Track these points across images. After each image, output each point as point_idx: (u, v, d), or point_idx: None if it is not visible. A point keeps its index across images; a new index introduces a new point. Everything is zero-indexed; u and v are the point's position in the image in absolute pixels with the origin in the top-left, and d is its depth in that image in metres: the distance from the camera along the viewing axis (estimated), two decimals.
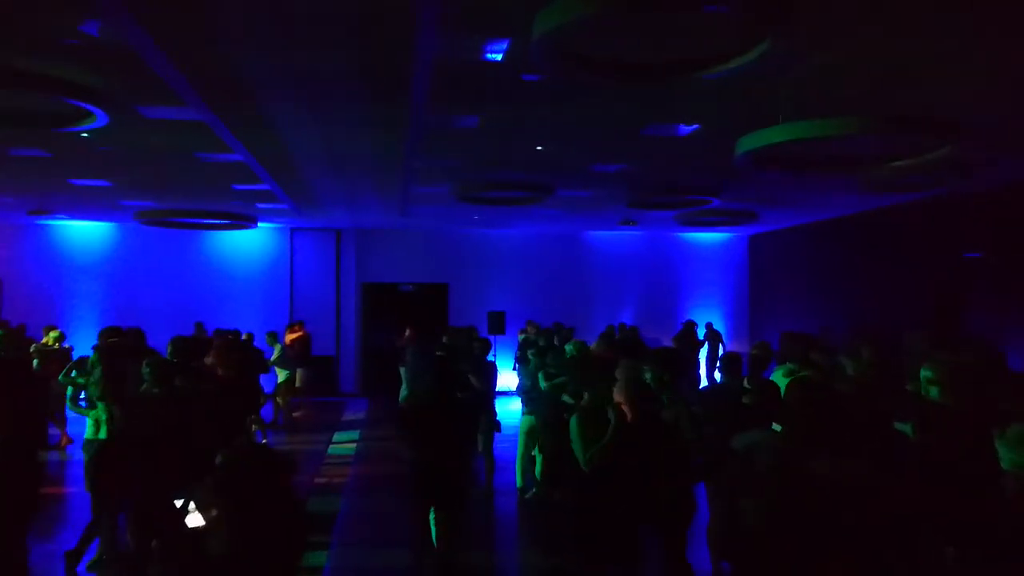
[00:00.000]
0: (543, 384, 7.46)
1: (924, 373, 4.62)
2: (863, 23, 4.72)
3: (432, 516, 5.67)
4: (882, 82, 5.86)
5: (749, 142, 6.47)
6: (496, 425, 8.52)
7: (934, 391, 4.54)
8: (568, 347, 7.76)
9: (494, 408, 8.60)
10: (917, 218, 11.63)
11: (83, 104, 6.17)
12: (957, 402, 4.48)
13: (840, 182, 9.85)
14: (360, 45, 5.25)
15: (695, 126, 7.42)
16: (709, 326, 15.54)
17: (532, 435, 8.02)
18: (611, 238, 17.50)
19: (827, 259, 14.51)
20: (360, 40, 5.15)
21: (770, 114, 6.30)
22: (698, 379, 13.56)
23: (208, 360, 7.33)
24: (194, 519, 3.06)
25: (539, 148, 8.38)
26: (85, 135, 7.60)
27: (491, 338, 15.97)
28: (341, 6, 4.54)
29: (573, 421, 4.66)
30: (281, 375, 12.24)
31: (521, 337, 13.52)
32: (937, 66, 5.50)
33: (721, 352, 14.76)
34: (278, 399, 12.45)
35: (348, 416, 13.90)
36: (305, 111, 7.02)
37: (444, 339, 10.57)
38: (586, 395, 5.19)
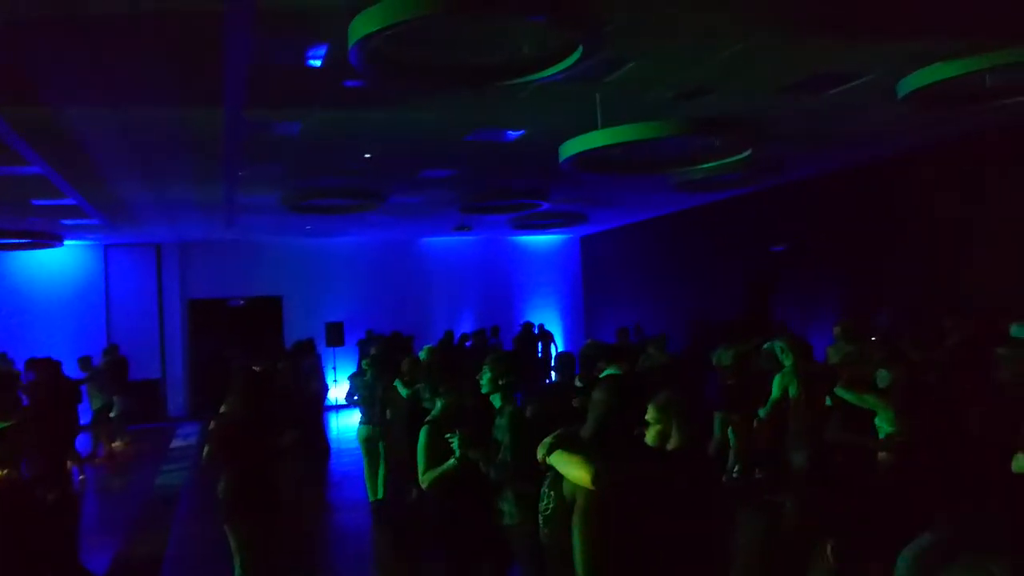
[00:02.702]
0: (403, 391, 7.35)
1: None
2: (670, 34, 4.98)
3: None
4: (692, 87, 6.21)
5: (571, 146, 6.68)
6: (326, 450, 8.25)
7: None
8: (421, 353, 7.70)
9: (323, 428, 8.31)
10: (729, 215, 12.47)
11: None
12: None
13: (659, 182, 10.38)
14: (168, 48, 4.95)
15: (521, 131, 7.57)
16: (541, 327, 15.92)
17: (372, 444, 7.84)
18: (447, 244, 17.56)
19: (652, 256, 15.29)
20: (168, 42, 4.84)
21: (591, 118, 6.54)
22: (540, 380, 13.86)
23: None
24: None
25: (367, 156, 8.26)
26: None
27: (331, 350, 15.72)
28: (148, 7, 4.26)
29: (423, 432, 4.57)
30: (95, 403, 11.33)
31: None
32: (740, 72, 5.90)
33: (554, 352, 15.15)
34: (95, 430, 11.51)
35: (178, 443, 13.09)
36: (112, 118, 6.53)
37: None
38: (438, 403, 5.04)
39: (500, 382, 4.63)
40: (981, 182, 7.95)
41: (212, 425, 5.06)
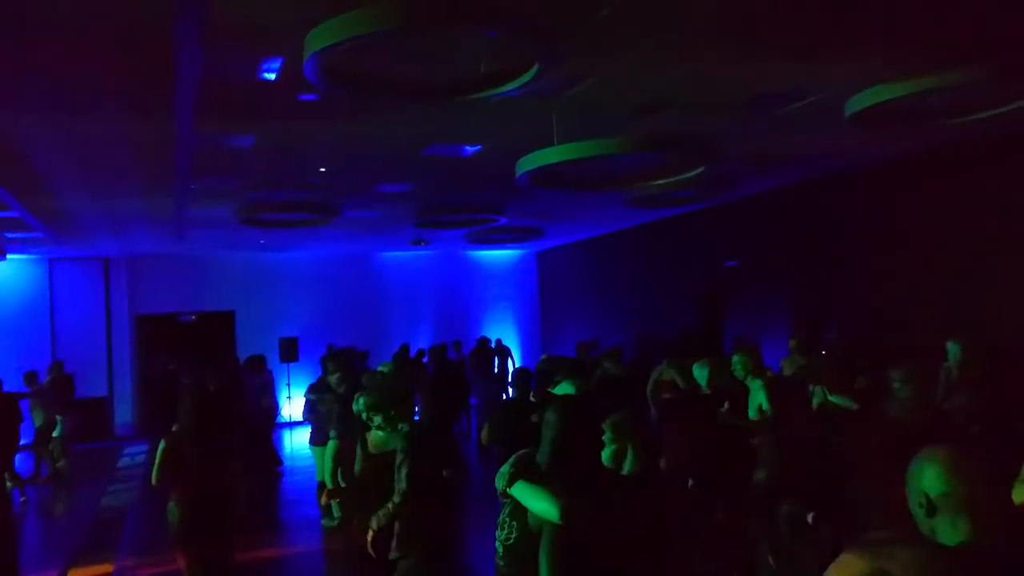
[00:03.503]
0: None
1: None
2: (623, 53, 5.04)
3: None
4: (645, 105, 6.28)
5: (526, 163, 6.71)
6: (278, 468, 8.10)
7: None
8: (381, 368, 7.61)
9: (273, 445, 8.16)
10: (683, 230, 12.63)
11: None
12: None
13: (614, 199, 10.47)
14: (117, 58, 4.84)
15: (478, 147, 7.58)
16: (498, 342, 15.90)
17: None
18: (404, 258, 17.47)
19: (608, 271, 15.40)
20: (117, 53, 4.74)
21: (547, 135, 6.57)
22: (499, 397, 13.80)
23: None
24: None
25: (322, 170, 8.19)
26: None
27: (285, 366, 15.49)
28: (95, 17, 4.16)
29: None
30: (37, 420, 10.98)
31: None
32: (692, 91, 5.99)
33: (511, 367, 15.14)
34: (38, 449, 11.15)
35: (125, 462, 12.74)
36: (58, 130, 6.37)
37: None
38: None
39: (391, 413, 4.54)
40: (929, 199, 8.16)
41: (163, 444, 4.92)
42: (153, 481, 4.94)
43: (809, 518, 3.51)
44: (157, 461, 4.91)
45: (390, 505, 4.21)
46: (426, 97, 5.42)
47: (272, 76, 5.17)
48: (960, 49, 5.08)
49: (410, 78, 5.26)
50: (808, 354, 7.79)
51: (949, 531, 1.88)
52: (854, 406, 5.19)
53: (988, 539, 1.85)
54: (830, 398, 5.51)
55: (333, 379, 7.68)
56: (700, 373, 5.62)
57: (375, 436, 4.77)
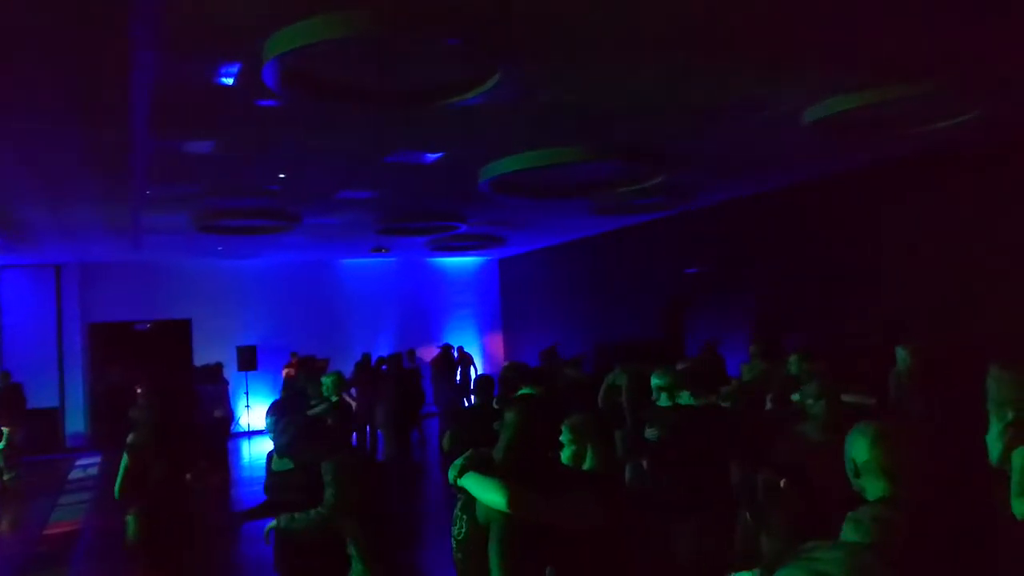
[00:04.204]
0: None
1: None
2: (584, 63, 5.06)
3: None
4: (608, 115, 6.32)
5: (490, 170, 6.71)
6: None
7: None
8: (326, 379, 7.52)
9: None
10: (645, 238, 12.73)
11: None
12: None
13: (576, 206, 10.52)
14: (70, 60, 4.72)
15: (440, 154, 7.55)
16: (460, 349, 15.87)
17: None
18: (365, 265, 17.34)
19: (570, 278, 15.45)
20: (69, 54, 4.63)
21: (509, 142, 6.58)
22: (460, 404, 13.77)
23: None
24: None
25: (281, 176, 8.09)
26: None
27: (244, 374, 15.26)
28: (47, 18, 4.05)
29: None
30: None
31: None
32: (654, 103, 6.04)
33: (473, 375, 15.12)
34: None
35: (76, 474, 12.42)
36: (10, 134, 6.20)
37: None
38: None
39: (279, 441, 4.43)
40: (887, 207, 8.33)
41: (126, 459, 4.77)
42: (116, 495, 4.81)
43: (781, 483, 3.84)
44: (120, 475, 4.78)
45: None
46: (387, 104, 5.39)
47: (230, 81, 5.09)
48: (917, 62, 5.20)
49: (371, 85, 5.23)
50: (769, 359, 7.92)
51: (872, 489, 2.29)
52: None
53: (906, 496, 2.19)
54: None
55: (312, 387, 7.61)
56: (658, 383, 5.58)
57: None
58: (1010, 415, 3.52)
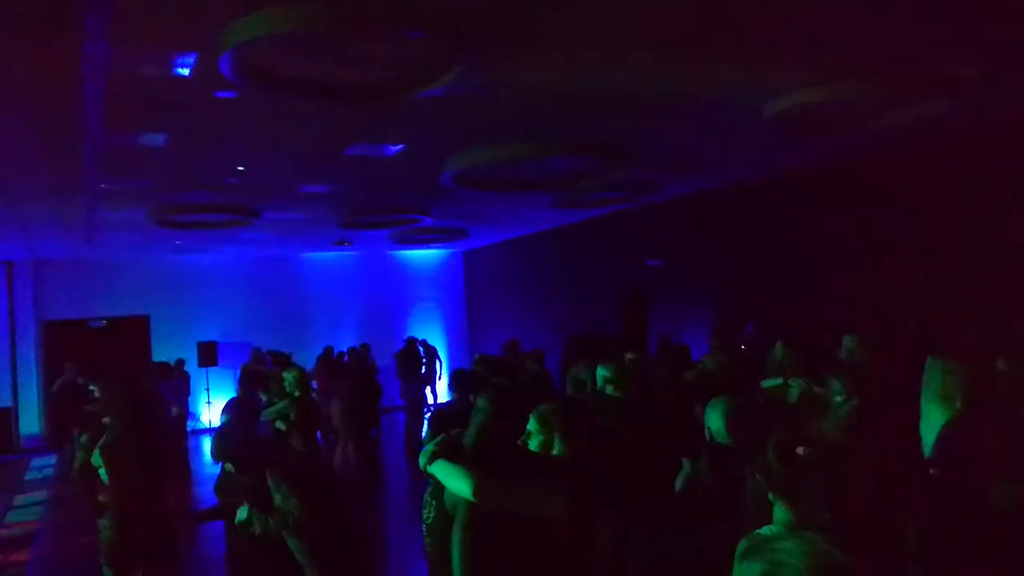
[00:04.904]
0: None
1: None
2: (546, 57, 5.06)
3: None
4: (569, 110, 6.32)
5: (451, 163, 6.68)
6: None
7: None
8: (288, 376, 7.43)
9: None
10: (608, 230, 12.79)
11: None
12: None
13: (538, 200, 10.53)
14: (20, 49, 4.59)
15: (401, 146, 7.49)
16: (424, 342, 15.82)
17: None
18: (327, 260, 17.18)
19: (533, 271, 15.47)
20: (19, 42, 4.50)
21: (470, 136, 6.55)
22: (424, 397, 13.72)
23: None
24: None
25: (240, 169, 7.97)
26: None
27: (204, 370, 15.04)
28: None
29: None
30: None
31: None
32: (616, 98, 6.05)
33: (438, 368, 15.07)
34: None
35: (32, 476, 12.14)
36: None
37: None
38: None
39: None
40: (843, 202, 8.46)
41: (104, 463, 4.60)
42: (112, 492, 4.61)
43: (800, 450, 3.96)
44: (106, 467, 4.57)
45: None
46: (345, 97, 5.34)
47: (186, 72, 4.99)
48: (876, 59, 5.28)
49: (330, 77, 5.17)
50: (729, 351, 8.00)
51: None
52: None
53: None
54: None
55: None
56: (604, 374, 5.60)
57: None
58: (957, 406, 3.55)
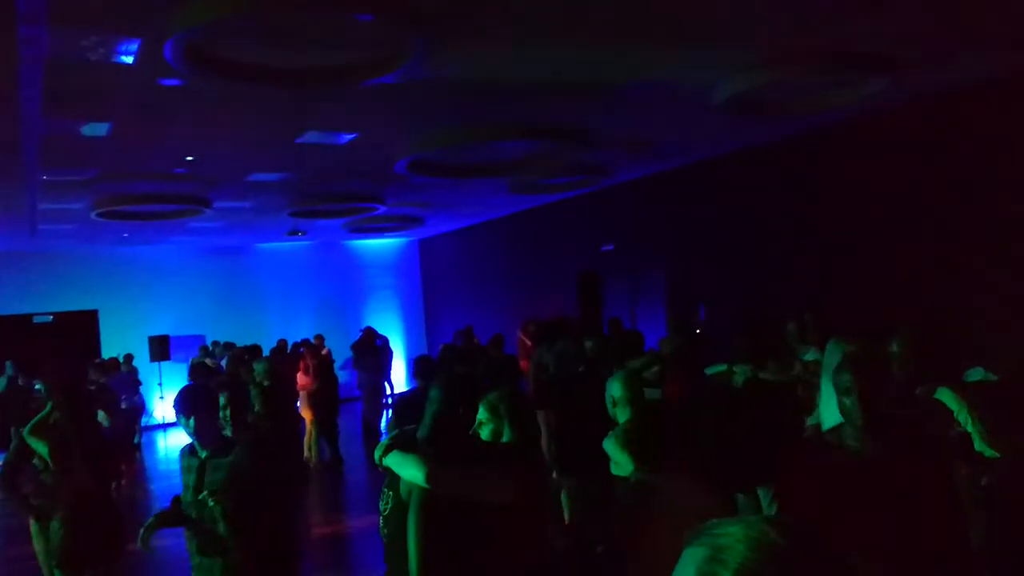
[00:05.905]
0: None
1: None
2: (497, 41, 5.03)
3: None
4: (520, 94, 6.31)
5: (405, 150, 6.64)
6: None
7: None
8: (257, 367, 7.35)
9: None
10: (562, 216, 12.83)
11: None
12: None
13: (493, 185, 10.51)
14: None
15: (354, 134, 7.41)
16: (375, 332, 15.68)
17: None
18: (281, 250, 16.95)
19: (490, 258, 15.47)
20: None
21: (422, 123, 6.50)
22: (383, 387, 13.66)
23: None
24: None
25: (189, 158, 7.81)
26: None
27: (156, 364, 14.75)
28: None
29: None
30: None
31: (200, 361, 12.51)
32: (564, 81, 6.06)
33: (390, 357, 14.99)
34: None
35: None
36: None
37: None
38: None
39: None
40: (793, 184, 8.59)
41: (45, 440, 4.48)
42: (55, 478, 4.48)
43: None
44: (50, 453, 4.44)
45: None
46: (295, 83, 5.26)
47: (129, 59, 4.86)
48: (823, 40, 5.37)
49: (279, 63, 5.08)
50: (684, 333, 8.12)
51: (622, 416, 3.52)
52: None
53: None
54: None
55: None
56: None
57: None
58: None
